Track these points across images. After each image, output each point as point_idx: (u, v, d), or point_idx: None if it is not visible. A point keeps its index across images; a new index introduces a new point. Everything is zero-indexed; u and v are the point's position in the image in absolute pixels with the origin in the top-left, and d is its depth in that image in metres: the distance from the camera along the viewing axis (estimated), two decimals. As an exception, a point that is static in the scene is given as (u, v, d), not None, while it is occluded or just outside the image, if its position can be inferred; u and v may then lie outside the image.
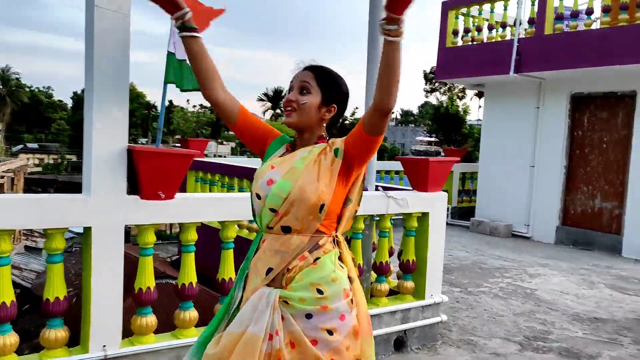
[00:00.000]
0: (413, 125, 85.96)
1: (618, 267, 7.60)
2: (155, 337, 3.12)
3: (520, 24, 9.14)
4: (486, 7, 9.85)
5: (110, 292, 2.89)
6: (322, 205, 1.79)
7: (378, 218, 4.17)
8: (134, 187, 2.92)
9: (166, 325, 3.28)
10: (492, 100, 10.42)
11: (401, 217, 4.30)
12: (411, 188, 4.42)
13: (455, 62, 10.07)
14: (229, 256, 3.36)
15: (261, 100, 62.54)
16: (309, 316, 1.75)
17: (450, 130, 30.26)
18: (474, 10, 10.03)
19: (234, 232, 3.36)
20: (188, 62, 2.43)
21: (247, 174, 6.53)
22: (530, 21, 9.03)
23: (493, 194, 10.07)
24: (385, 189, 4.17)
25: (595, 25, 8.38)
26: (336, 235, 1.88)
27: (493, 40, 9.76)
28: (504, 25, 9.52)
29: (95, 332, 2.85)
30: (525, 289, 6.21)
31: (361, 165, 1.86)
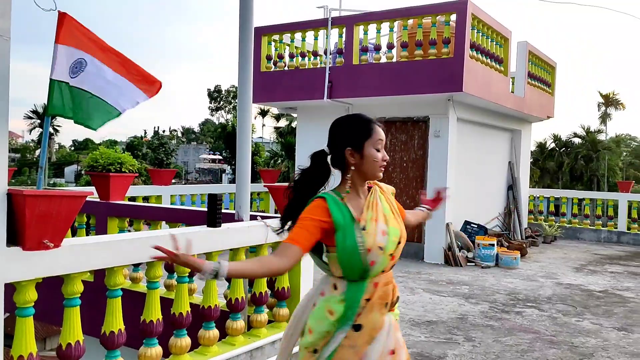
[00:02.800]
0: (195, 143, 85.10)
1: (425, 272, 8.63)
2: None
3: (329, 53, 9.86)
4: (298, 35, 10.40)
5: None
6: None
7: (255, 249, 4.11)
8: (13, 237, 2.43)
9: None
10: (305, 123, 10.99)
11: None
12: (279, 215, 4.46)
13: (271, 87, 10.40)
14: (116, 306, 3.00)
15: (29, 118, 56.01)
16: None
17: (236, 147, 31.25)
18: (286, 37, 10.51)
19: (122, 279, 3.01)
20: (81, 85, 2.22)
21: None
22: (339, 52, 9.81)
23: (310, 212, 10.59)
24: (262, 217, 4.14)
25: (396, 58, 9.47)
26: None
27: (306, 68, 10.34)
28: (315, 54, 10.15)
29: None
30: (362, 301, 6.67)
31: None
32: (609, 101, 61.80)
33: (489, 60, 9.62)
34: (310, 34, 10.25)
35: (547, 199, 14.18)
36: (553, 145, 50.79)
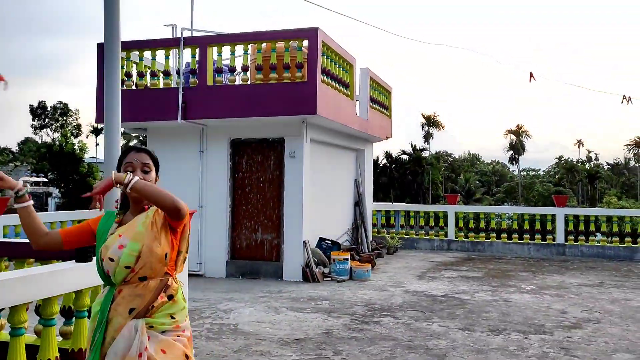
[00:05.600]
0: (13, 164, 76.52)
1: (286, 290, 8.78)
2: None
3: (182, 73, 9.65)
4: (147, 53, 10.01)
5: None
6: (166, 254, 2.41)
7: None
8: None
9: None
10: (156, 144, 10.56)
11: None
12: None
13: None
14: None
15: None
16: (164, 333, 2.39)
17: (66, 169, 28.63)
18: (134, 56, 10.06)
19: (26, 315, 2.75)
20: None
21: None
22: (192, 72, 9.65)
23: (164, 236, 10.17)
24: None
25: (251, 81, 9.58)
26: (175, 277, 2.51)
27: (157, 87, 9.98)
28: (166, 73, 9.86)
29: None
30: (229, 326, 6.59)
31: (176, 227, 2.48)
32: (431, 122, 68.60)
33: (337, 85, 10.18)
34: (160, 53, 9.93)
35: (388, 212, 15.30)
36: (385, 161, 54.82)
